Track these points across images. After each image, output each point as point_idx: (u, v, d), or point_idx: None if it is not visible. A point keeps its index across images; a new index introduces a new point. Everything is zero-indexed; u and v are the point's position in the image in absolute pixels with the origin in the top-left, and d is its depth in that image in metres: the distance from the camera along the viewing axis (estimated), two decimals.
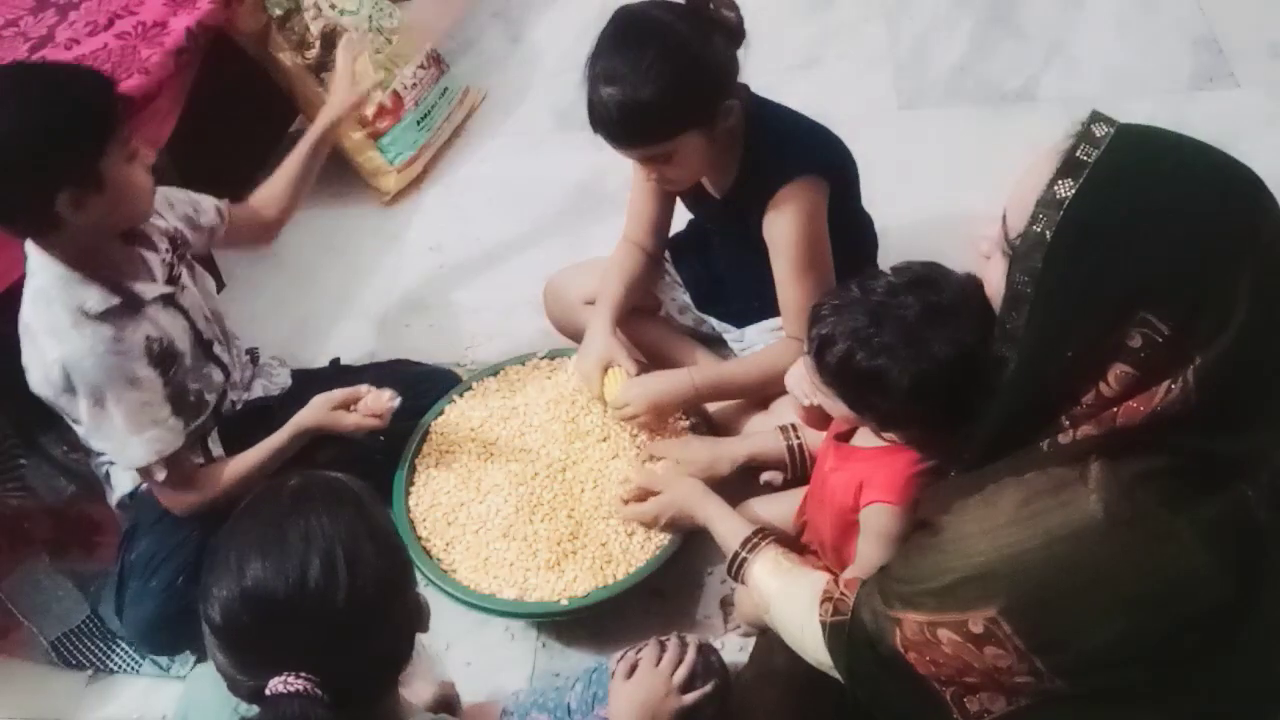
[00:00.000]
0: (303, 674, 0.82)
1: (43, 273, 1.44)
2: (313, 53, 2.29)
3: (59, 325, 1.42)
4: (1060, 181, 0.81)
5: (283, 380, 1.81)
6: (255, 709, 0.86)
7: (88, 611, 1.73)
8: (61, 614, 1.73)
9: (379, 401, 1.58)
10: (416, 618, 0.96)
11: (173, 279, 1.58)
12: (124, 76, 1.96)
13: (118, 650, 1.71)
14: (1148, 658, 0.86)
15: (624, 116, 1.40)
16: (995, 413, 0.90)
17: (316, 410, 1.59)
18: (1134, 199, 0.80)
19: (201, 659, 1.66)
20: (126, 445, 1.48)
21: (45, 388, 1.45)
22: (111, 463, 1.63)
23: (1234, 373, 0.79)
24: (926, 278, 1.09)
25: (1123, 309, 0.79)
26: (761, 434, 1.57)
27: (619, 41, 1.41)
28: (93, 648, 1.72)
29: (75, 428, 1.51)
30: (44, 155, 1.34)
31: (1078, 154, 0.82)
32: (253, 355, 1.81)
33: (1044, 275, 0.82)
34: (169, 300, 1.56)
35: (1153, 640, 0.85)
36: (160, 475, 1.52)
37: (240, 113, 2.37)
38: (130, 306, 1.48)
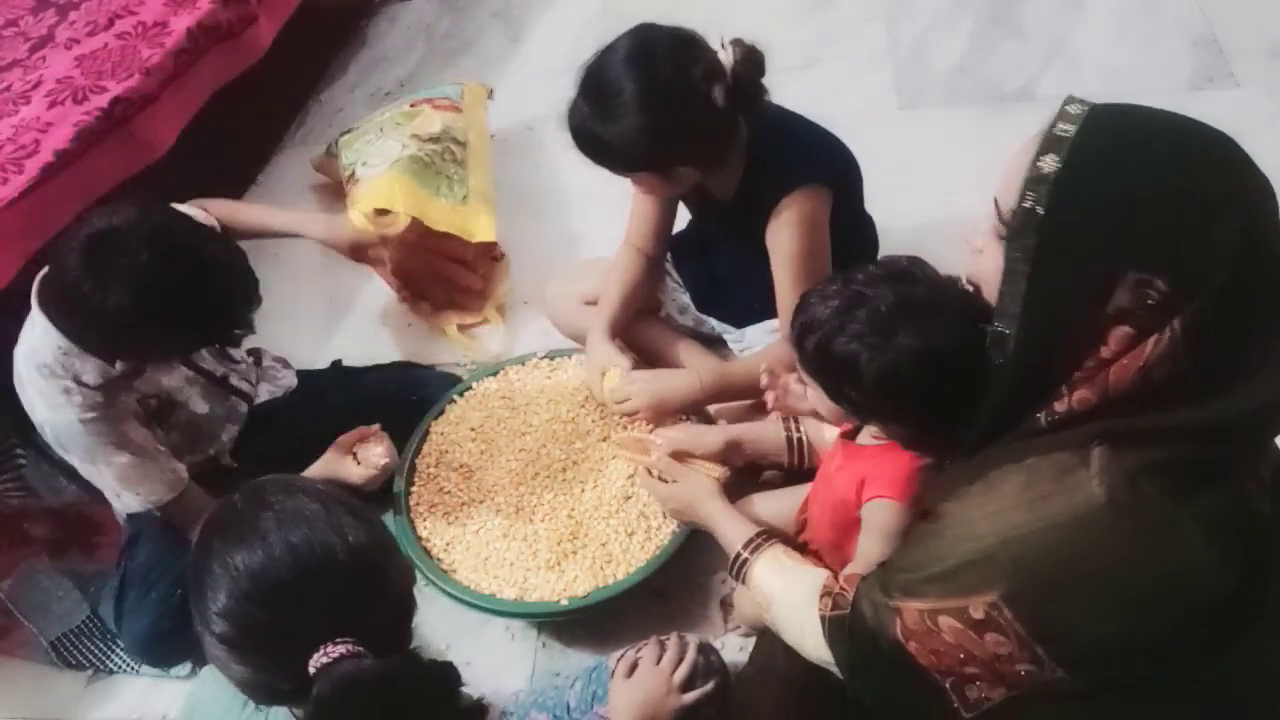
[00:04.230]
0: (336, 641, 0.82)
1: (41, 334, 1.41)
2: None
3: (50, 393, 1.42)
4: (1044, 157, 0.84)
5: (288, 382, 1.82)
6: (282, 709, 0.86)
7: (88, 611, 1.73)
8: (61, 614, 1.73)
9: (371, 457, 1.61)
10: (411, 570, 0.98)
11: None
12: (124, 76, 1.96)
13: (118, 650, 1.71)
14: (1149, 652, 0.86)
15: (581, 137, 1.45)
16: (996, 388, 0.91)
17: (326, 463, 1.61)
18: (1114, 163, 0.83)
19: (200, 664, 1.67)
20: (120, 496, 1.52)
21: (43, 437, 1.49)
22: None
23: (1219, 321, 0.80)
24: (905, 271, 1.11)
25: (1114, 270, 0.81)
26: (763, 422, 1.57)
27: (616, 63, 1.40)
28: (93, 648, 1.72)
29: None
30: (163, 334, 1.35)
31: (1056, 130, 0.85)
32: (256, 357, 1.81)
33: (1039, 248, 0.84)
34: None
35: (1155, 634, 0.85)
36: (156, 514, 1.54)
37: (240, 113, 2.38)
38: (126, 374, 1.46)
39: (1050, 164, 0.83)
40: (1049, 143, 0.84)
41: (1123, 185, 0.82)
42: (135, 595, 1.60)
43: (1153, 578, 0.83)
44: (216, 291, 1.33)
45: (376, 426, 1.64)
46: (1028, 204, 0.84)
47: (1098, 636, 0.84)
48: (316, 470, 1.60)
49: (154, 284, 1.27)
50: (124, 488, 1.49)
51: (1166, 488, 0.83)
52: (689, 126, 1.42)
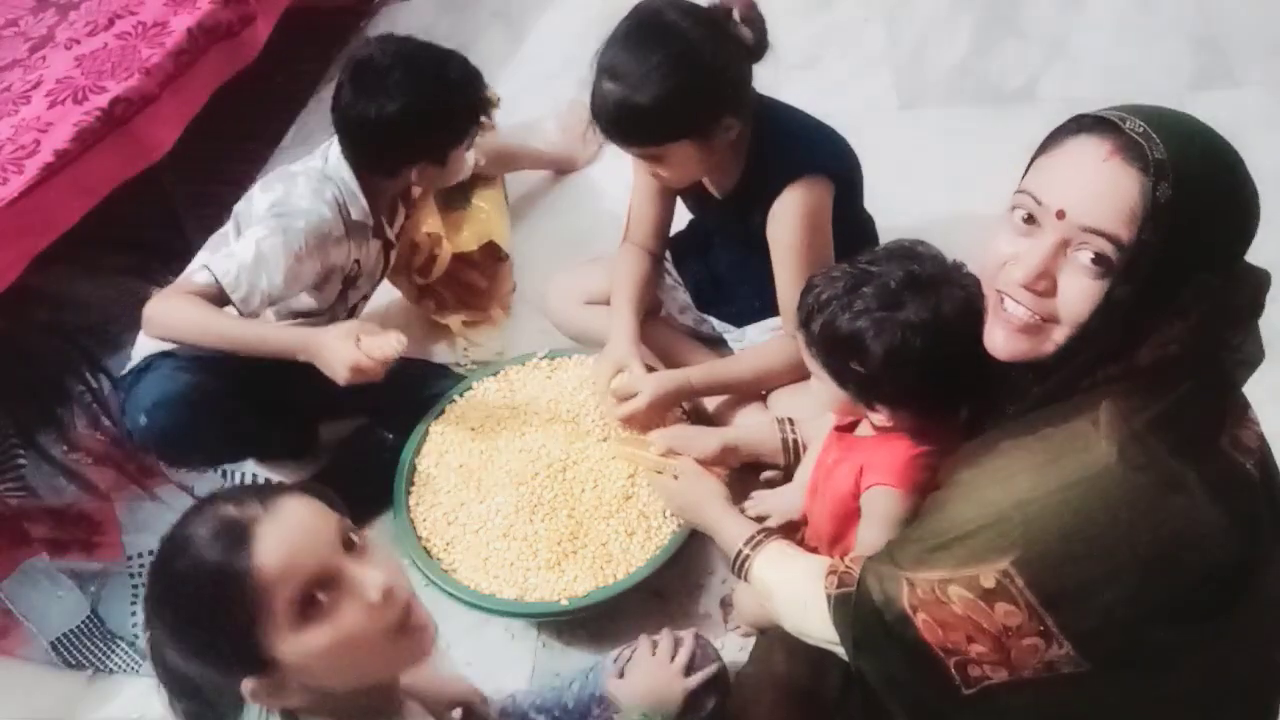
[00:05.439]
0: None
1: (337, 163, 1.65)
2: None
3: (317, 191, 1.60)
4: (1159, 185, 0.81)
5: None
6: None
7: (88, 611, 1.73)
8: (61, 614, 1.73)
9: (377, 346, 1.45)
10: None
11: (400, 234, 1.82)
12: (124, 76, 1.96)
13: (118, 650, 1.71)
14: (1156, 620, 0.86)
15: (618, 115, 1.41)
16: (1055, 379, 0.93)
17: (335, 329, 1.49)
18: (1210, 186, 0.84)
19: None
20: (233, 256, 1.53)
21: (258, 198, 1.62)
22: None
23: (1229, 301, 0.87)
24: (910, 250, 1.14)
25: (1194, 277, 0.84)
26: (758, 426, 1.57)
27: (630, 37, 1.41)
28: (93, 648, 1.72)
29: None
30: (428, 130, 1.60)
31: (1155, 154, 0.82)
32: None
33: (1148, 278, 0.83)
34: (388, 245, 1.79)
35: (1161, 600, 0.86)
36: (203, 282, 1.52)
37: (240, 113, 2.37)
38: (371, 231, 1.70)
39: (1164, 192, 0.81)
40: (1160, 169, 0.81)
41: (1221, 207, 0.84)
42: (154, 377, 1.59)
43: (1161, 539, 0.84)
44: (455, 76, 1.63)
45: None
46: (1154, 238, 0.82)
47: (1106, 602, 0.85)
48: (311, 334, 1.49)
49: (411, 84, 1.57)
50: (253, 265, 1.52)
51: (1174, 445, 0.85)
52: (719, 68, 1.41)
